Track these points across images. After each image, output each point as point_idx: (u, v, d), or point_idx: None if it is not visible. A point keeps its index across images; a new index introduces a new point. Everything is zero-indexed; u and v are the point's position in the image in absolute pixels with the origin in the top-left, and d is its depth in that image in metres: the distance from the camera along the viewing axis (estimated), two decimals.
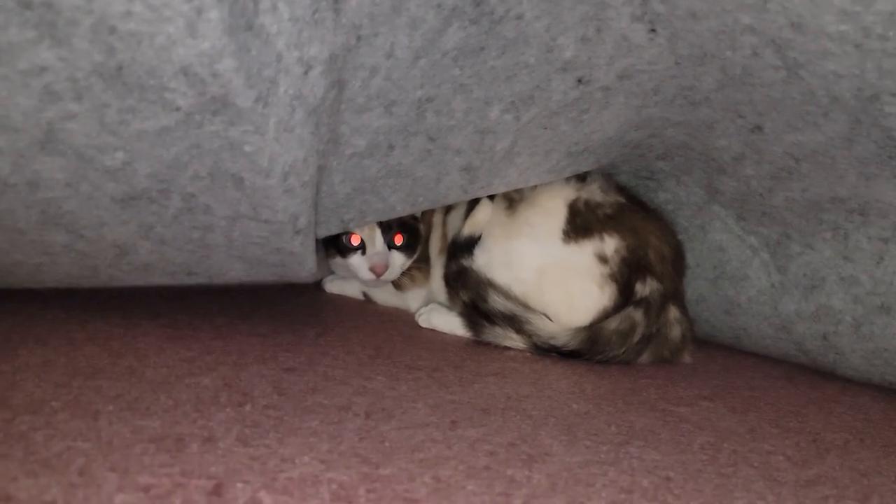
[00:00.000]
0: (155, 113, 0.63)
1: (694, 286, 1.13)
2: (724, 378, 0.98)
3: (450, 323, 1.05)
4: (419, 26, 0.73)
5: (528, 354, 0.97)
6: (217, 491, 0.49)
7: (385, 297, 1.22)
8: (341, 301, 1.20)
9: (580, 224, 1.01)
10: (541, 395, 0.80)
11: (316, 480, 0.52)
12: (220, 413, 0.62)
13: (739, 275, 1.07)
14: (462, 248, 1.06)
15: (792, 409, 0.86)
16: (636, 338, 0.96)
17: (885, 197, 0.83)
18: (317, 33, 0.65)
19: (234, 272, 0.88)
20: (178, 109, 0.62)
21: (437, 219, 1.19)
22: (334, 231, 0.96)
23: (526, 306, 0.99)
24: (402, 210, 0.96)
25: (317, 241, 0.93)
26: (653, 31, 0.78)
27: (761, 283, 1.04)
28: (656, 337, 0.99)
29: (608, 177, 1.10)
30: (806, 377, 1.01)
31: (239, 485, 0.49)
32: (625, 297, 0.99)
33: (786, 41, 0.69)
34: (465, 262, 1.04)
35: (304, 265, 0.87)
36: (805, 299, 0.98)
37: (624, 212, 1.03)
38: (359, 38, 0.71)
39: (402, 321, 1.10)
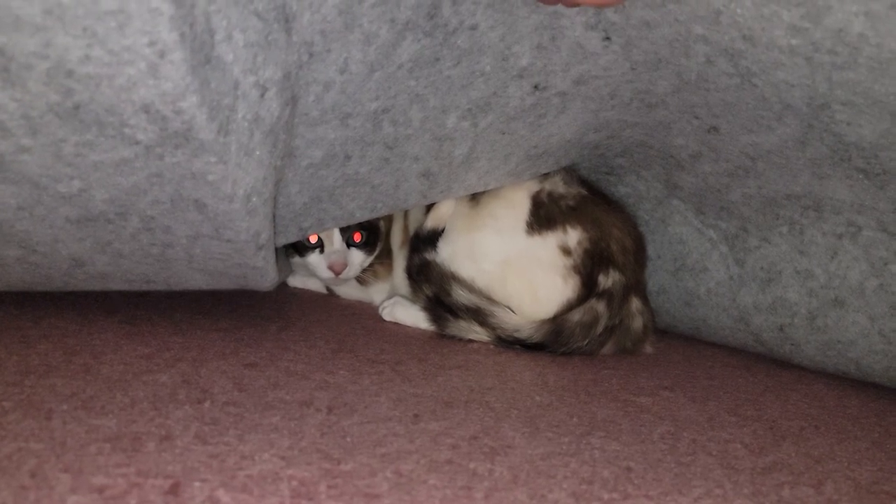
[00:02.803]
0: (114, 146, 0.61)
1: (655, 278, 1.14)
2: (684, 368, 0.99)
3: (413, 317, 1.04)
4: (372, 41, 0.73)
5: (492, 347, 0.97)
6: (174, 490, 0.48)
7: (348, 291, 1.21)
8: (305, 295, 1.19)
9: (543, 216, 1.02)
10: (503, 387, 0.80)
11: (276, 477, 0.51)
12: (178, 411, 0.61)
13: (699, 267, 1.08)
14: (425, 241, 1.06)
15: (749, 397, 0.88)
16: (599, 329, 0.97)
17: (837, 195, 0.85)
18: (271, 55, 0.65)
19: (195, 282, 0.87)
20: (138, 143, 0.61)
21: (397, 213, 1.18)
22: (293, 239, 0.96)
23: (490, 299, 0.99)
24: (362, 216, 0.96)
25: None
26: (607, 38, 0.78)
27: (720, 276, 1.05)
28: (619, 328, 1.00)
29: (570, 169, 1.10)
30: (763, 366, 1.03)
31: (196, 483, 0.49)
32: (588, 288, 0.99)
33: (738, 51, 0.70)
34: (429, 256, 1.04)
35: (265, 277, 0.87)
36: (762, 292, 1.00)
37: (586, 204, 1.04)
38: (311, 55, 0.70)
39: (366, 315, 1.09)
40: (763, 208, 0.96)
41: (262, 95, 0.66)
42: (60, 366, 0.69)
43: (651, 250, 1.13)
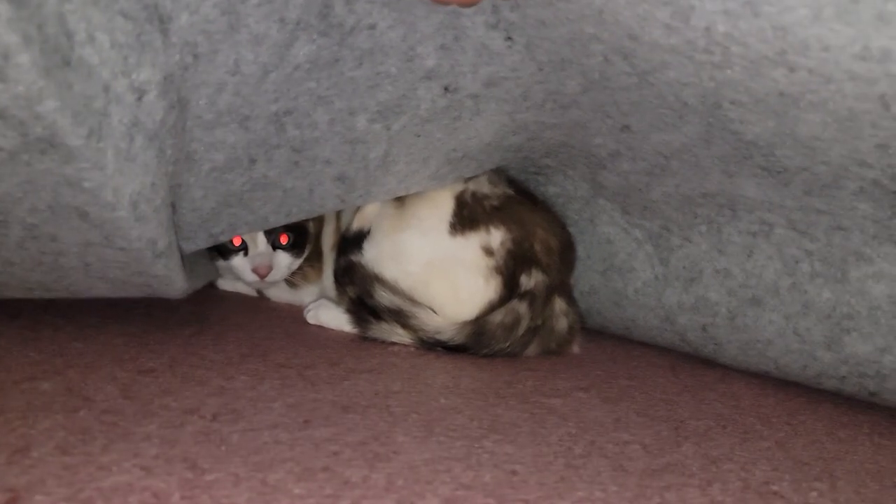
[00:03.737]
0: None
1: (585, 278, 1.13)
2: (607, 368, 0.98)
3: (336, 319, 1.03)
4: (262, 41, 0.71)
5: (414, 349, 0.96)
6: None
7: (278, 293, 1.19)
8: (230, 297, 1.17)
9: (467, 216, 1.00)
10: (411, 390, 0.79)
11: (129, 489, 0.49)
12: (46, 420, 0.59)
13: (626, 267, 1.08)
14: (351, 242, 1.04)
15: (665, 397, 0.87)
16: (521, 331, 0.96)
17: (748, 193, 0.85)
18: (146, 57, 0.63)
19: (98, 291, 0.85)
20: (1, 150, 0.59)
21: (329, 214, 1.17)
22: (204, 245, 0.94)
23: (412, 300, 0.98)
24: (276, 221, 0.94)
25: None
26: (509, 38, 0.77)
27: (646, 275, 1.05)
28: (542, 329, 0.99)
29: (498, 169, 1.09)
30: (689, 366, 1.03)
31: (38, 497, 0.47)
32: (510, 289, 0.98)
33: (629, 50, 0.70)
34: (354, 258, 1.03)
35: (172, 285, 0.85)
36: (685, 291, 1.00)
37: (511, 204, 1.03)
38: (196, 56, 0.68)
39: (292, 318, 1.08)
40: (682, 207, 0.96)
41: (140, 98, 0.64)
42: None
43: (581, 250, 1.12)
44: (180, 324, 0.95)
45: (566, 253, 1.05)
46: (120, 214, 0.68)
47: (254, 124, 0.78)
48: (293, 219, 0.96)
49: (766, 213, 0.86)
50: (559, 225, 1.07)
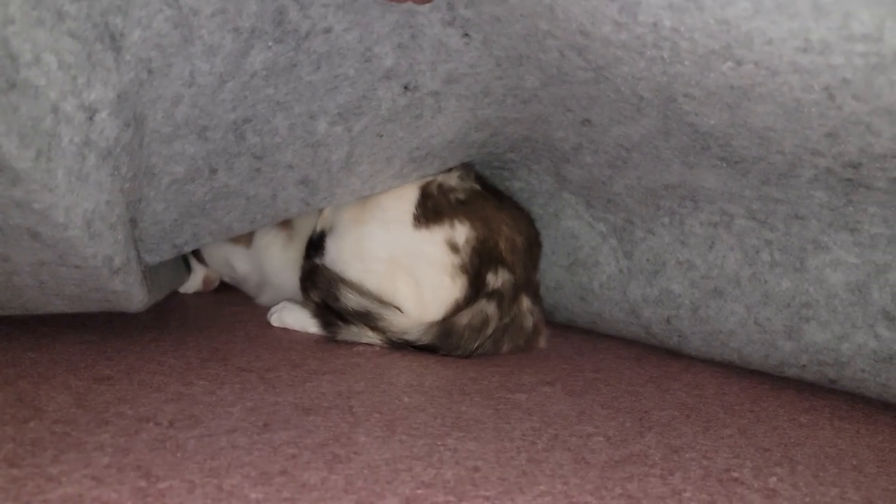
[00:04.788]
0: None
1: (551, 273, 1.13)
2: (573, 361, 0.98)
3: (302, 321, 1.02)
4: (217, 52, 0.70)
5: (378, 348, 0.95)
6: None
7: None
8: (195, 303, 1.15)
9: (431, 208, 0.99)
10: (374, 390, 0.78)
11: (79, 500, 0.48)
12: None
13: (591, 261, 1.08)
14: (315, 245, 1.03)
15: (630, 388, 0.87)
16: (490, 331, 0.96)
17: (708, 184, 0.86)
18: (96, 76, 0.62)
19: (55, 307, 0.83)
20: None
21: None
22: (168, 257, 0.92)
23: (379, 301, 0.97)
24: (241, 228, 0.93)
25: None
26: (466, 35, 0.77)
27: (611, 269, 1.05)
28: (511, 327, 0.99)
29: (468, 164, 1.09)
30: (655, 357, 1.03)
31: None
32: (475, 288, 0.98)
33: (582, 46, 0.70)
34: (317, 260, 1.01)
35: (131, 300, 0.83)
36: (649, 284, 1.00)
37: (477, 199, 1.02)
38: (150, 72, 0.67)
39: (254, 321, 1.06)
40: (645, 199, 0.96)
41: (91, 118, 0.63)
42: None
43: (546, 245, 1.12)
44: (140, 330, 0.94)
45: (532, 250, 1.05)
46: (73, 234, 0.67)
47: (213, 134, 0.77)
48: (258, 225, 0.95)
49: (727, 203, 0.87)
50: (525, 221, 1.06)
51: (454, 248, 0.98)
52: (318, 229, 1.04)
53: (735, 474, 0.63)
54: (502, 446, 0.65)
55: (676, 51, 0.63)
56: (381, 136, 0.89)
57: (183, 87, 0.72)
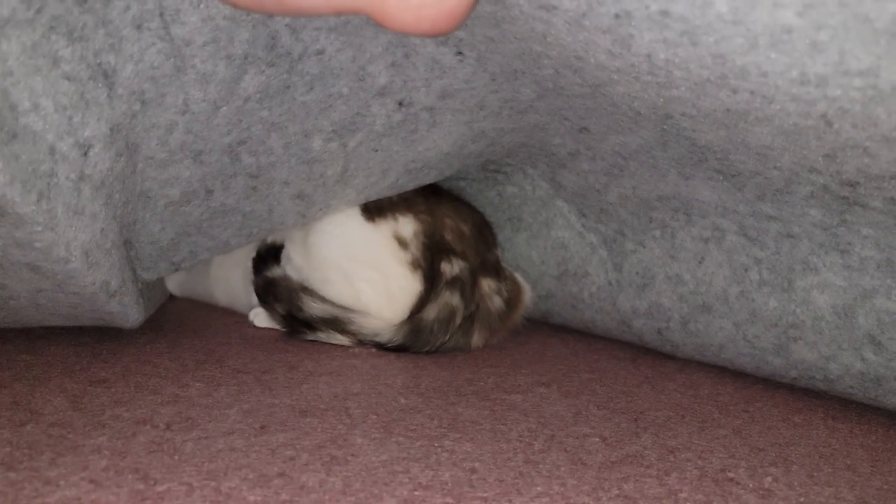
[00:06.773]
0: None
1: (541, 283, 1.13)
2: (568, 362, 0.99)
3: (275, 324, 1.01)
4: (210, 80, 0.70)
5: (374, 350, 0.95)
6: None
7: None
8: (190, 304, 1.15)
9: (373, 204, 0.99)
10: (371, 391, 0.78)
11: (77, 503, 0.48)
12: None
13: (581, 272, 1.08)
14: (266, 258, 1.01)
15: (625, 389, 0.88)
16: (458, 321, 0.96)
17: (702, 196, 0.86)
18: (90, 113, 0.62)
19: (52, 323, 0.84)
20: None
21: None
22: (165, 273, 0.92)
23: (344, 307, 0.96)
24: (238, 243, 0.93)
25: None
26: (460, 53, 0.77)
27: (600, 281, 1.06)
28: (478, 313, 0.99)
29: None
30: (650, 358, 1.04)
31: None
32: (431, 282, 0.97)
33: (577, 67, 0.70)
34: (271, 274, 1.00)
35: (127, 318, 0.83)
36: (639, 297, 1.00)
37: (414, 195, 1.02)
38: (143, 103, 0.68)
39: (250, 323, 1.06)
40: (638, 210, 0.97)
41: (86, 154, 0.63)
42: None
43: (535, 255, 1.12)
44: (135, 332, 0.93)
45: (481, 232, 1.04)
46: (73, 266, 0.68)
47: (208, 157, 0.78)
48: (254, 239, 0.95)
49: (720, 218, 0.87)
50: (466, 208, 1.06)
51: (402, 243, 0.97)
52: (269, 241, 1.02)
53: (731, 474, 0.63)
54: (499, 447, 0.66)
55: (671, 78, 0.64)
56: (377, 150, 0.89)
57: (177, 114, 0.72)
